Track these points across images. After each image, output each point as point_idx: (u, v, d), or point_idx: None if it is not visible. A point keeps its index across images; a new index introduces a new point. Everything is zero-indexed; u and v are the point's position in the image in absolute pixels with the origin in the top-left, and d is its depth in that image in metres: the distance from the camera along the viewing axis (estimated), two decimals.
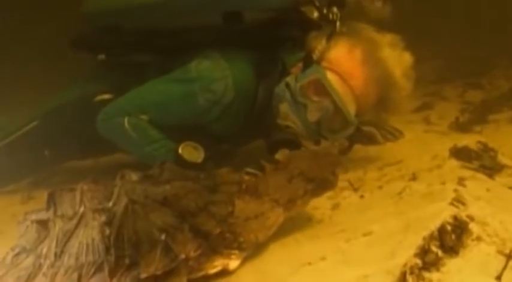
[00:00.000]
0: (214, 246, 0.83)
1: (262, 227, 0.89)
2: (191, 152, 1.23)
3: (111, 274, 0.78)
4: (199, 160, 1.23)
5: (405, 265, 0.74)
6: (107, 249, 0.80)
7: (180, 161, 1.21)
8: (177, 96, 1.29)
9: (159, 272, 0.76)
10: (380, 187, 1.18)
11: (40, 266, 0.84)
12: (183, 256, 0.78)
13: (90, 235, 0.82)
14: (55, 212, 0.88)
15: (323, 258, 0.84)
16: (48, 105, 1.51)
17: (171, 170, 0.91)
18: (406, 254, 0.77)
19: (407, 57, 1.29)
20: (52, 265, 0.82)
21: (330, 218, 1.06)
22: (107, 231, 0.81)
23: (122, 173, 0.91)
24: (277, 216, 0.92)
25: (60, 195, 0.89)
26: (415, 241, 0.80)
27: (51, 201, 0.90)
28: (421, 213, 0.92)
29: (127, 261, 0.78)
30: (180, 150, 1.22)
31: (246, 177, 1.01)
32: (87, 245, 0.81)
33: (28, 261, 0.86)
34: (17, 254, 0.89)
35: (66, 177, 1.63)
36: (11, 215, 1.38)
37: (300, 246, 0.91)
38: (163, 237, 0.79)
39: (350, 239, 0.90)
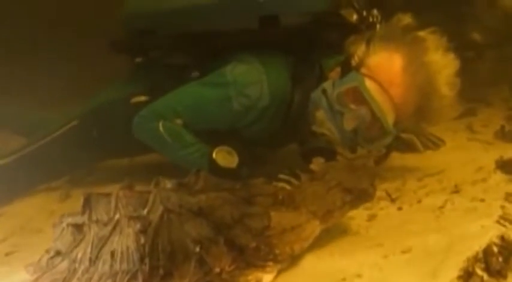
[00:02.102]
0: (248, 259, 0.82)
1: (298, 239, 0.88)
2: (225, 157, 1.23)
3: None
4: (233, 165, 1.22)
5: None
6: (142, 259, 0.80)
7: (214, 166, 1.21)
8: (212, 101, 1.29)
9: None
10: (419, 199, 1.14)
11: (75, 270, 0.85)
12: (217, 270, 0.76)
13: (125, 243, 0.82)
14: (90, 216, 0.89)
15: (359, 276, 0.81)
16: (87, 106, 1.55)
17: (206, 179, 0.90)
18: (449, 276, 0.73)
19: (451, 62, 1.22)
20: (87, 270, 0.83)
21: (366, 230, 1.02)
22: (142, 240, 0.81)
23: (156, 180, 0.91)
24: (313, 227, 0.90)
25: (95, 200, 0.90)
26: (458, 262, 0.76)
27: (87, 206, 0.90)
28: (464, 231, 0.87)
29: (161, 271, 0.78)
30: (214, 155, 1.22)
31: (281, 187, 0.99)
32: (122, 253, 0.82)
33: (63, 265, 0.88)
34: (52, 257, 0.91)
35: (102, 176, 1.66)
36: (49, 213, 1.42)
37: (335, 261, 0.89)
38: (197, 249, 0.78)
39: (388, 255, 0.87)
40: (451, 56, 1.23)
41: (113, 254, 0.82)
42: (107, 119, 1.50)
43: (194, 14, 1.38)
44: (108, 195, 0.89)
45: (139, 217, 0.83)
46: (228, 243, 0.80)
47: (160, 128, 1.27)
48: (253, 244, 0.81)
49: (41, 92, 2.13)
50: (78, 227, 0.89)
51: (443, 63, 1.22)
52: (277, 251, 0.84)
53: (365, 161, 1.07)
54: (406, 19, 1.23)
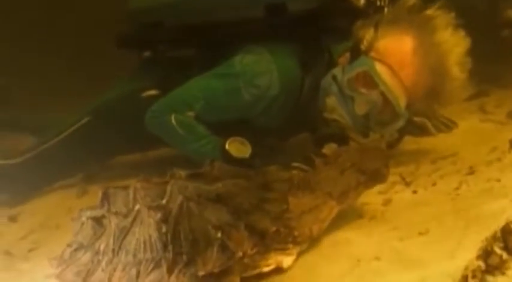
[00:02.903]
0: (268, 242, 0.83)
1: (316, 220, 0.89)
2: (238, 148, 1.23)
3: (169, 271, 0.79)
4: (246, 156, 1.22)
5: (467, 268, 0.70)
6: (165, 246, 0.81)
7: (227, 156, 1.21)
8: (222, 92, 1.29)
9: (216, 270, 0.77)
10: (434, 182, 1.13)
11: (98, 262, 0.87)
12: (240, 254, 0.78)
13: (147, 232, 0.83)
14: (109, 209, 0.91)
15: (377, 258, 0.82)
16: (98, 102, 1.56)
17: (221, 168, 0.91)
18: (467, 256, 0.73)
19: (461, 40, 1.21)
20: (110, 261, 0.85)
21: (382, 214, 1.02)
22: (164, 229, 0.82)
23: (172, 171, 0.92)
24: (330, 208, 0.91)
25: (113, 193, 0.92)
26: (476, 242, 0.76)
27: (105, 199, 0.92)
28: (481, 212, 0.87)
29: (184, 258, 0.79)
30: (227, 146, 1.22)
31: (295, 173, 1.00)
32: (145, 242, 0.83)
33: (86, 257, 0.90)
34: (75, 250, 0.93)
35: (117, 172, 1.68)
36: (67, 209, 1.44)
37: (353, 245, 0.89)
38: (219, 235, 0.79)
39: (405, 237, 0.87)
40: (461, 34, 1.21)
41: (135, 243, 0.83)
42: (118, 114, 1.51)
43: (200, 4, 1.38)
44: (126, 187, 0.90)
45: (159, 207, 0.85)
46: (248, 228, 0.81)
47: (173, 121, 1.28)
48: (274, 228, 0.82)
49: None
50: (98, 220, 0.90)
51: (453, 42, 1.20)
52: (296, 233, 0.85)
53: (377, 143, 1.08)
54: (412, 0, 1.22)
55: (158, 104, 1.33)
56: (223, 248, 0.78)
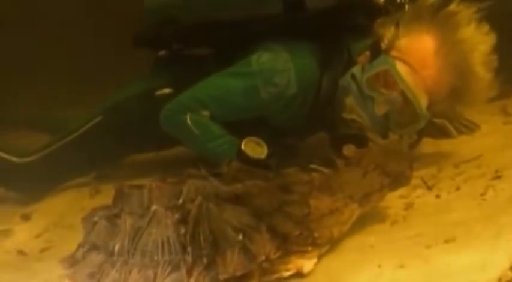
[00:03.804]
0: (288, 246, 0.81)
1: (337, 222, 0.87)
2: (254, 148, 1.20)
3: (189, 273, 0.76)
4: (263, 156, 1.19)
5: (500, 279, 0.67)
6: (184, 248, 0.78)
7: (243, 157, 1.18)
8: (239, 91, 1.26)
9: (238, 274, 0.74)
10: (458, 186, 1.09)
11: (113, 263, 0.84)
12: (262, 257, 0.75)
13: (165, 233, 0.81)
14: (123, 208, 0.88)
15: (401, 266, 0.78)
16: (111, 101, 1.54)
17: (239, 169, 0.89)
18: (500, 267, 0.70)
19: (485, 37, 1.16)
20: (125, 262, 0.82)
21: (404, 219, 0.99)
22: (183, 230, 0.79)
23: (188, 171, 0.90)
24: (352, 211, 0.89)
25: (128, 193, 0.89)
26: (509, 251, 0.72)
27: (119, 198, 0.90)
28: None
29: (205, 261, 0.77)
30: (243, 146, 1.19)
31: (316, 175, 0.97)
32: (162, 243, 0.80)
33: (100, 258, 0.87)
34: (88, 251, 0.90)
35: (130, 172, 1.66)
36: (80, 209, 1.42)
37: (376, 252, 0.86)
38: (240, 237, 0.77)
39: (430, 245, 0.83)
40: (485, 29, 1.16)
41: (152, 245, 0.81)
42: (132, 113, 1.49)
43: (215, 1, 1.35)
44: (140, 187, 0.88)
45: (176, 207, 0.82)
46: (270, 231, 0.79)
47: (188, 121, 1.26)
48: (297, 232, 0.80)
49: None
50: (111, 220, 0.88)
51: (477, 40, 1.16)
52: (316, 235, 0.83)
53: (400, 145, 1.05)
54: None
55: (173, 103, 1.31)
56: (245, 251, 0.76)
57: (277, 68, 1.24)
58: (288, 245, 0.79)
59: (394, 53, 1.20)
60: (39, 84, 2.18)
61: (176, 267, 0.77)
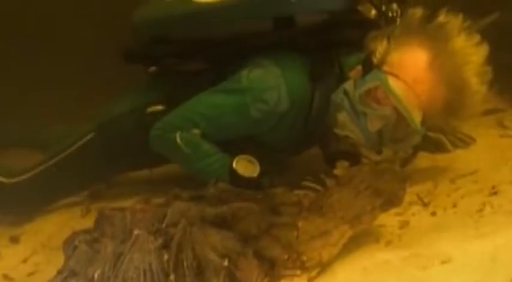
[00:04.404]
0: (277, 270, 0.78)
1: (326, 244, 0.84)
2: (246, 166, 1.18)
3: None
4: (255, 174, 1.17)
5: None
6: (167, 276, 0.76)
7: (234, 175, 1.16)
8: (229, 108, 1.24)
9: None
10: (454, 203, 1.07)
11: None
12: None
13: (146, 259, 0.78)
14: (104, 232, 0.86)
15: None
16: (102, 118, 1.52)
17: (225, 190, 0.86)
18: None
19: (477, 48, 1.14)
20: None
21: (399, 238, 0.96)
22: (165, 256, 0.77)
23: (174, 192, 0.88)
24: (342, 233, 0.86)
25: (110, 216, 0.87)
26: (507, 272, 0.69)
27: (101, 222, 0.87)
28: (510, 237, 0.80)
29: None
30: (234, 165, 1.17)
31: (305, 194, 0.95)
32: (144, 271, 0.77)
33: None
34: (66, 278, 0.86)
35: (123, 189, 1.64)
36: (71, 229, 1.37)
37: (369, 274, 0.83)
38: (226, 263, 0.74)
39: (426, 266, 0.80)
40: (476, 40, 1.15)
41: (134, 271, 0.78)
42: (123, 130, 1.47)
43: (205, 18, 1.34)
44: (123, 210, 0.85)
45: (159, 231, 0.80)
46: (257, 256, 0.76)
47: (178, 140, 1.24)
48: (285, 256, 0.78)
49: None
50: (92, 245, 0.85)
51: (469, 51, 1.14)
52: (304, 258, 0.80)
53: (392, 165, 1.03)
54: (418, 11, 1.17)
55: (162, 121, 1.29)
56: (231, 277, 0.73)
57: (267, 85, 1.23)
58: (276, 269, 0.77)
59: (386, 67, 1.18)
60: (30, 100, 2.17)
61: None
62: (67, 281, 0.84)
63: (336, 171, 1.12)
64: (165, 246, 0.77)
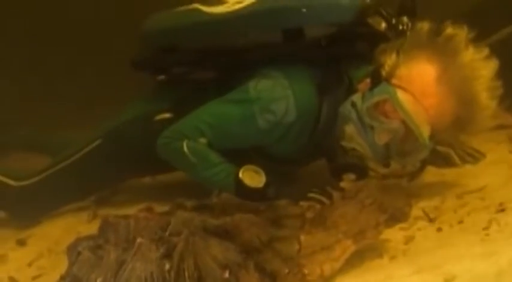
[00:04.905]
0: None
1: (328, 259, 0.83)
2: (252, 176, 1.18)
3: None
4: (261, 185, 1.17)
5: None
6: None
7: (240, 185, 1.16)
8: (236, 118, 1.25)
9: None
10: (461, 219, 1.06)
11: None
12: None
13: (148, 268, 0.78)
14: (108, 239, 0.86)
15: None
16: (110, 124, 1.54)
17: (229, 201, 0.86)
18: None
19: (487, 62, 1.13)
20: None
21: (403, 254, 0.95)
22: (167, 266, 0.77)
23: (177, 202, 0.88)
24: (345, 247, 0.86)
25: (113, 223, 0.87)
26: None
27: (105, 229, 0.87)
28: None
29: None
30: (240, 175, 1.17)
31: (309, 206, 0.95)
32: (146, 279, 0.77)
33: None
34: None
35: (129, 195, 1.65)
36: (77, 234, 1.38)
37: None
38: (227, 275, 0.74)
39: None
40: (485, 53, 1.14)
41: (135, 280, 0.78)
42: (130, 138, 1.48)
43: (215, 28, 1.35)
44: (126, 217, 0.86)
45: (162, 240, 0.80)
46: (258, 269, 0.76)
47: (185, 148, 1.24)
48: (286, 270, 0.77)
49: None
50: (95, 251, 0.85)
51: (478, 65, 1.13)
52: (306, 271, 0.80)
53: (399, 181, 1.03)
54: (426, 25, 1.17)
55: (170, 130, 1.30)
56: None
57: (275, 95, 1.23)
58: None
59: (394, 81, 1.18)
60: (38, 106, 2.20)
61: None
62: None
63: (342, 184, 1.12)
64: (167, 255, 0.77)
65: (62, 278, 0.88)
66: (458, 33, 1.14)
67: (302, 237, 0.81)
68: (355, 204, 0.91)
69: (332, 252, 0.84)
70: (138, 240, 0.80)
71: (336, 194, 0.95)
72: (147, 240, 0.80)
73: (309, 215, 0.88)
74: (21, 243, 1.40)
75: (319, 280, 0.82)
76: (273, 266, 0.77)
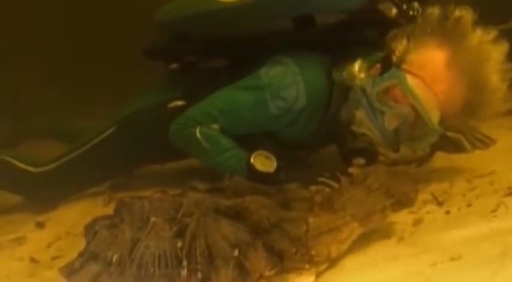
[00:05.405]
0: (285, 263, 0.80)
1: (335, 240, 0.85)
2: (263, 162, 1.20)
3: None
4: (272, 170, 1.19)
5: None
6: (180, 262, 0.79)
7: (252, 170, 1.19)
8: (248, 105, 1.27)
9: None
10: (469, 202, 1.06)
11: (110, 273, 0.85)
12: (257, 275, 0.75)
13: (162, 246, 0.82)
14: (123, 219, 0.90)
15: None
16: (125, 112, 1.57)
17: (240, 184, 0.89)
18: None
19: (497, 44, 1.13)
20: (122, 274, 0.83)
21: (411, 235, 0.97)
22: (179, 243, 0.80)
23: (190, 184, 0.91)
24: (351, 230, 0.87)
25: (129, 203, 0.91)
26: None
27: (120, 209, 0.91)
28: None
29: (199, 275, 0.77)
30: (252, 160, 1.19)
31: (318, 190, 0.97)
32: (159, 256, 0.81)
33: (97, 267, 0.88)
34: (86, 260, 0.91)
35: (144, 181, 1.68)
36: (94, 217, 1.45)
37: (378, 268, 0.84)
38: (236, 253, 0.77)
39: (436, 262, 0.81)
40: (493, 35, 1.13)
41: (149, 257, 0.81)
42: (144, 125, 1.51)
43: (227, 17, 1.37)
44: (141, 198, 0.89)
45: (174, 220, 0.83)
46: (266, 248, 0.78)
47: (197, 134, 1.26)
48: (294, 250, 0.79)
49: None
50: (111, 230, 0.89)
51: (488, 48, 1.13)
52: (313, 252, 0.82)
53: (408, 167, 1.04)
54: (436, 10, 1.17)
55: (183, 116, 1.32)
56: (240, 267, 0.75)
57: (285, 82, 1.24)
58: (285, 262, 0.78)
59: (405, 66, 1.18)
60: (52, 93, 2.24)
61: (171, 281, 0.78)
62: (87, 263, 0.89)
63: (351, 170, 1.13)
64: (180, 234, 0.80)
65: (80, 254, 0.92)
66: (464, 15, 1.14)
67: (310, 220, 0.83)
68: (362, 189, 0.92)
69: (339, 234, 0.86)
70: (152, 219, 0.84)
71: (344, 179, 0.96)
72: (161, 220, 0.83)
73: (318, 198, 0.90)
74: (40, 225, 1.45)
75: (326, 261, 0.84)
76: (280, 245, 0.79)
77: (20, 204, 1.59)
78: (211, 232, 0.79)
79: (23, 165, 1.55)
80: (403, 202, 0.92)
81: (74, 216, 1.50)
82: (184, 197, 0.85)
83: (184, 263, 0.78)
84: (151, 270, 0.80)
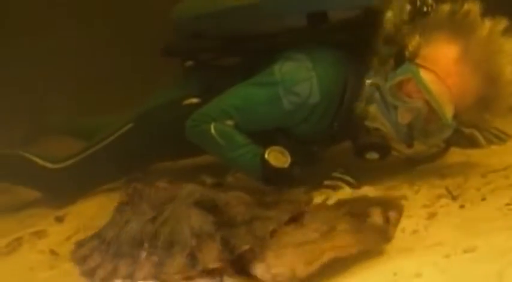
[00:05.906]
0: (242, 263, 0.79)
1: (302, 257, 0.78)
2: (277, 157, 1.21)
3: (140, 268, 0.82)
4: (286, 165, 1.20)
5: None
6: (142, 244, 0.85)
7: (266, 166, 1.20)
8: (262, 100, 1.28)
9: (177, 277, 0.78)
10: (484, 196, 1.06)
11: (101, 250, 0.91)
12: (207, 266, 0.77)
13: (136, 228, 0.88)
14: (134, 204, 0.95)
15: (418, 275, 0.77)
16: (141, 109, 1.59)
17: (238, 180, 0.92)
18: None
19: (509, 39, 1.13)
20: (107, 251, 0.89)
21: (425, 228, 0.97)
22: (149, 227, 0.86)
23: (200, 178, 0.94)
24: (322, 251, 0.79)
25: (140, 190, 0.97)
26: None
27: (133, 195, 0.97)
28: None
29: (155, 259, 0.82)
30: (266, 156, 1.20)
31: (308, 201, 0.94)
32: (133, 237, 0.87)
33: (95, 243, 0.95)
34: (91, 237, 0.99)
35: (160, 177, 1.70)
36: (110, 212, 1.47)
37: (391, 260, 0.85)
38: (194, 243, 0.80)
39: (449, 254, 0.81)
40: (503, 25, 1.13)
41: (126, 237, 0.88)
42: (160, 122, 1.53)
43: (241, 14, 1.38)
44: (151, 186, 0.95)
45: (157, 206, 0.88)
46: (223, 242, 0.80)
47: (212, 130, 1.27)
48: (247, 246, 0.78)
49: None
50: (122, 213, 0.95)
51: (498, 38, 1.13)
52: (271, 260, 0.78)
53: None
54: (448, 5, 1.17)
55: (198, 112, 1.34)
56: (193, 256, 0.78)
57: (299, 77, 1.25)
58: (240, 260, 0.78)
59: (418, 60, 1.19)
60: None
61: (133, 261, 0.83)
62: (92, 239, 0.96)
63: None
64: (154, 219, 0.86)
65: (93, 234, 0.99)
66: (472, 8, 1.14)
67: (282, 220, 0.81)
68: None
69: (308, 253, 0.78)
70: (143, 204, 0.90)
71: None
72: (148, 206, 0.89)
73: (310, 206, 0.89)
74: (60, 220, 1.48)
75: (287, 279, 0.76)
76: (237, 240, 0.78)
77: (40, 200, 1.63)
78: (181, 220, 0.83)
79: (41, 162, 1.59)
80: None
81: (91, 211, 1.53)
82: (183, 188, 0.88)
83: (146, 245, 0.83)
84: (125, 249, 0.86)
